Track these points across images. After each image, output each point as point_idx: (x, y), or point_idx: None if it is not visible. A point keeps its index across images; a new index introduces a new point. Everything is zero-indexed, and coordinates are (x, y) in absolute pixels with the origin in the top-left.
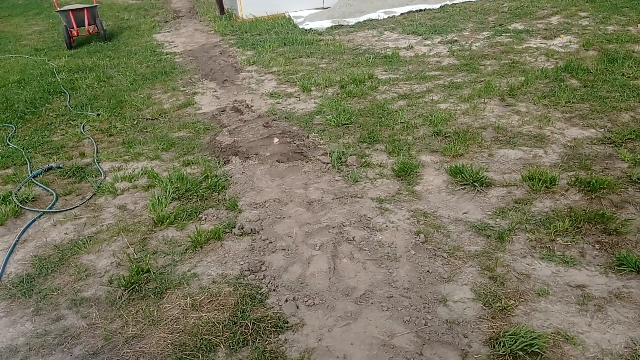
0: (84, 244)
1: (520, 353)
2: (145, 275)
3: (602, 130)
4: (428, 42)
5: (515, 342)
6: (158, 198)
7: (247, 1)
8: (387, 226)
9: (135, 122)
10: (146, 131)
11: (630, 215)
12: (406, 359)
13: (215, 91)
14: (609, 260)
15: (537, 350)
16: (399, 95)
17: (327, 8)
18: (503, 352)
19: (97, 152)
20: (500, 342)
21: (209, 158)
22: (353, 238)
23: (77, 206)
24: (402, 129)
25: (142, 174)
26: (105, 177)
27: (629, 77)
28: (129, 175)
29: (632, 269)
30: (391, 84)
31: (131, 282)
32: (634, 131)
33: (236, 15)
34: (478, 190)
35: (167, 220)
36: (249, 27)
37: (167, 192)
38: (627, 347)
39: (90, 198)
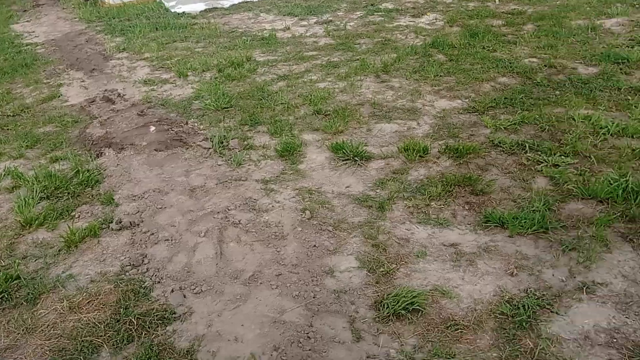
0: None
1: (403, 312)
2: (15, 282)
3: (467, 100)
4: (304, 22)
5: (398, 302)
6: (24, 199)
7: None
8: (273, 206)
9: None
10: (7, 129)
11: (494, 176)
12: (297, 332)
13: (82, 81)
14: (477, 218)
15: (418, 307)
16: (278, 77)
17: None
18: (387, 313)
19: None
20: (384, 305)
21: (80, 152)
22: (239, 221)
23: None
24: (283, 109)
25: (4, 174)
26: None
27: (488, 49)
28: None
29: (497, 224)
30: (270, 66)
31: None
32: (495, 100)
33: (102, 1)
34: (359, 164)
35: (36, 222)
36: (116, 13)
37: (34, 192)
38: (495, 295)
39: None
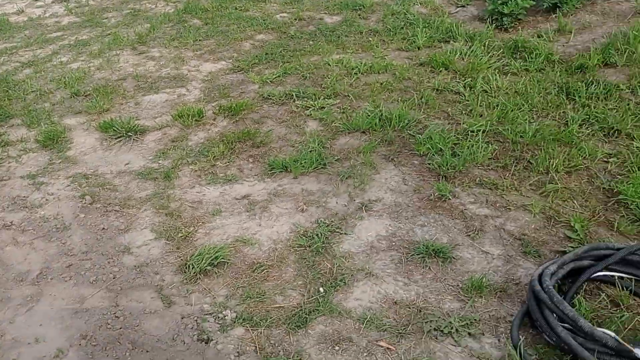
0: None
1: (209, 268)
2: None
3: (231, 60)
4: (40, 3)
5: (202, 260)
6: None
7: None
8: (47, 200)
9: None
10: None
11: (270, 127)
12: (103, 315)
13: None
14: (262, 168)
15: (223, 260)
16: (22, 64)
17: None
18: (194, 273)
19: None
20: (189, 266)
21: None
22: (11, 223)
23: None
24: (36, 97)
25: None
26: None
27: (241, 10)
28: None
29: (282, 170)
30: (10, 54)
31: None
32: (257, 56)
33: None
34: (134, 139)
35: None
36: None
37: None
38: (292, 232)
39: None
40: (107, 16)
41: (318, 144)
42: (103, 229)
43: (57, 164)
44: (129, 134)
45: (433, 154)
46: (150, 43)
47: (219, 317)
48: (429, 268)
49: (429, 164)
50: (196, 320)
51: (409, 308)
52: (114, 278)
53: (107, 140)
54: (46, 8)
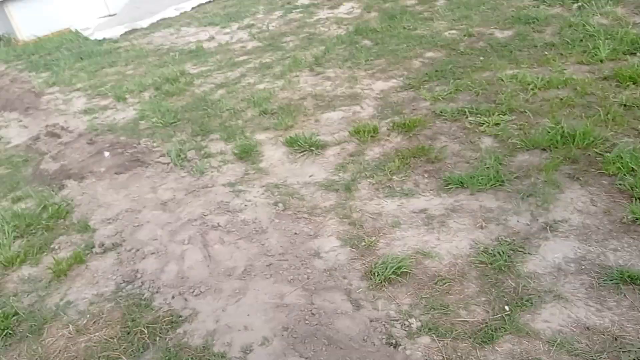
0: None
1: (393, 277)
2: (14, 318)
3: (402, 78)
4: (227, 30)
5: (386, 269)
6: None
7: (23, 22)
8: (245, 205)
9: None
10: None
11: (444, 143)
12: (300, 311)
13: (20, 121)
14: (438, 183)
15: (405, 270)
16: (216, 85)
17: (114, 15)
18: (379, 280)
19: None
20: (374, 273)
21: (40, 188)
22: (218, 224)
23: None
24: (230, 115)
25: None
26: None
27: (409, 29)
28: None
29: (458, 185)
30: (205, 77)
31: (1, 328)
32: (427, 74)
33: (16, 39)
34: (316, 153)
35: (18, 260)
36: (34, 49)
37: (7, 233)
38: (471, 248)
39: None
40: (286, 40)
41: (494, 161)
42: (295, 233)
43: (251, 174)
44: (312, 148)
45: (624, 174)
46: (325, 64)
47: (405, 324)
48: (625, 295)
49: (620, 184)
50: (384, 325)
51: (603, 335)
52: (307, 279)
53: (292, 154)
54: (232, 34)
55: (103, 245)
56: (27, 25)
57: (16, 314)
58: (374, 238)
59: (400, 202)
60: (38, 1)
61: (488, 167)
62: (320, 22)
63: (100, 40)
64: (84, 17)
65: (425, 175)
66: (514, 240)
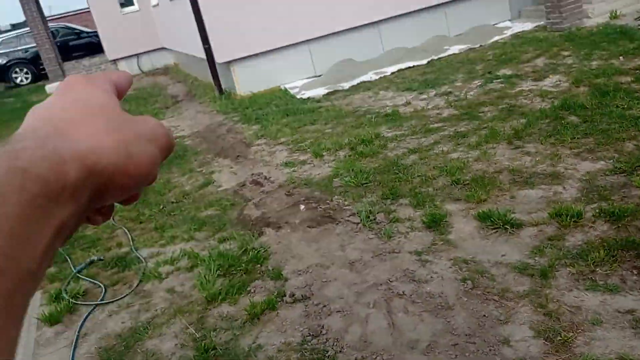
0: (145, 329)
1: None
2: (212, 352)
3: (612, 161)
4: (424, 96)
5: None
6: (204, 277)
7: (243, 79)
8: (432, 277)
9: (162, 207)
10: (174, 214)
11: None
12: None
13: (231, 167)
14: None
15: None
16: (409, 150)
17: (319, 76)
18: None
19: (132, 241)
20: None
21: (242, 232)
22: (403, 292)
23: (127, 295)
24: (421, 181)
25: (182, 255)
26: (146, 263)
27: (623, 108)
28: (169, 258)
29: None
30: (399, 141)
31: None
32: None
33: (234, 94)
34: (510, 232)
35: (219, 297)
36: (248, 103)
37: (212, 271)
38: None
39: (137, 285)
40: (483, 110)
41: None
42: (484, 315)
43: (439, 245)
44: (506, 226)
45: None
46: (525, 138)
47: None
48: None
49: None
50: None
51: None
52: None
53: (484, 229)
54: (429, 100)
55: (293, 295)
56: (245, 82)
57: (214, 348)
58: (571, 334)
59: (603, 297)
60: (257, 63)
61: None
62: (522, 94)
63: (304, 99)
64: (293, 77)
65: (635, 272)
66: None
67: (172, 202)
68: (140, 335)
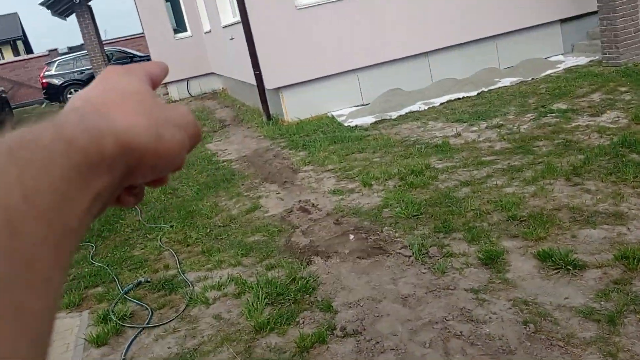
0: (191, 356)
1: None
2: None
3: None
4: (474, 128)
5: None
6: (252, 304)
7: (291, 105)
8: (490, 318)
9: (209, 230)
10: (221, 238)
11: None
12: None
13: (278, 193)
14: None
15: None
16: (461, 183)
17: (367, 104)
18: None
19: (180, 263)
20: None
21: (290, 260)
22: (460, 332)
23: (174, 319)
24: (475, 216)
25: (229, 281)
26: (193, 287)
27: None
28: (217, 283)
29: None
30: (450, 172)
31: None
32: None
33: (282, 120)
34: (572, 273)
35: (267, 327)
36: (296, 130)
37: (260, 299)
38: None
39: (184, 310)
40: (538, 144)
41: None
42: None
43: (496, 284)
44: (568, 267)
45: None
46: (584, 175)
47: None
48: None
49: None
50: None
51: None
52: None
53: (544, 269)
54: (480, 133)
55: (344, 329)
56: (293, 108)
57: None
58: None
59: None
60: (305, 90)
61: None
62: (578, 129)
63: (352, 127)
64: (340, 105)
65: None
66: None
67: (219, 226)
68: None
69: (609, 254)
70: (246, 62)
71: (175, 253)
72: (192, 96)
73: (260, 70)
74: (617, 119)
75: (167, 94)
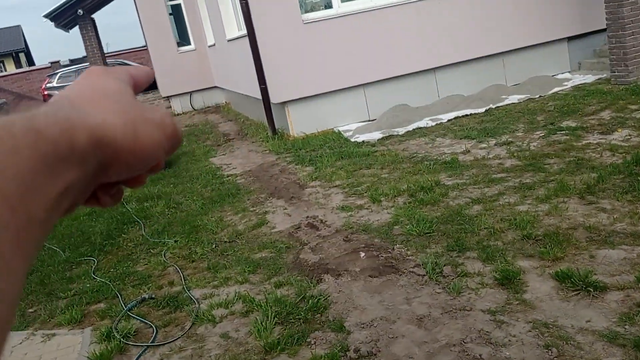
0: None
1: None
2: None
3: None
4: (483, 145)
5: None
6: (261, 323)
7: (297, 120)
8: (510, 340)
9: (214, 246)
10: (227, 254)
11: None
12: None
13: (285, 209)
14: None
15: None
16: (472, 200)
17: (373, 120)
18: None
19: (185, 280)
20: None
21: (299, 278)
22: (480, 356)
23: (179, 337)
24: (488, 234)
25: (236, 299)
26: (199, 305)
27: None
28: (223, 301)
29: None
30: (460, 189)
31: None
32: None
33: (287, 134)
34: (593, 295)
35: (278, 347)
36: (302, 144)
37: (269, 317)
38: None
39: (190, 328)
40: (549, 162)
41: None
42: None
43: (514, 305)
44: (588, 288)
45: None
46: (599, 193)
47: None
48: None
49: None
50: None
51: None
52: None
53: (563, 290)
54: (489, 150)
55: (358, 351)
56: (299, 123)
57: None
58: None
59: None
60: (311, 104)
61: None
62: (589, 147)
63: (359, 143)
64: (347, 120)
65: None
66: None
67: (225, 242)
68: None
69: (630, 275)
70: (251, 76)
71: (179, 269)
72: (195, 110)
73: (266, 84)
74: (628, 137)
75: (170, 107)
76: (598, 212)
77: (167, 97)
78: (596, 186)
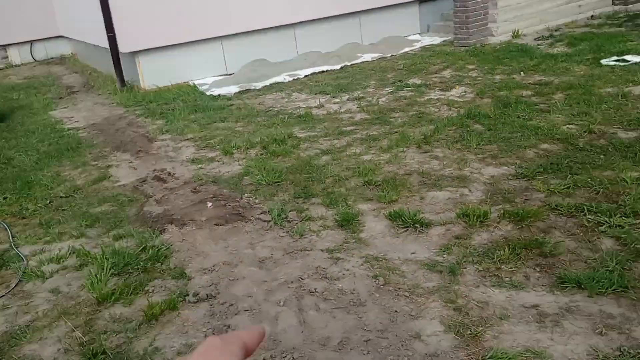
0: (22, 333)
1: None
2: (101, 357)
3: (514, 166)
4: (337, 100)
5: None
6: (95, 276)
7: (148, 72)
8: (344, 274)
9: (49, 202)
10: (63, 210)
11: (558, 238)
12: None
13: (130, 162)
14: (551, 280)
15: None
16: (321, 151)
17: (231, 74)
18: None
19: (12, 237)
20: None
21: (142, 229)
22: (315, 290)
23: (3, 296)
24: (334, 182)
25: (70, 253)
26: (28, 261)
27: (524, 119)
28: (55, 256)
29: (574, 285)
30: (311, 142)
31: None
32: (541, 165)
33: (138, 87)
34: (419, 231)
35: (112, 298)
36: (153, 97)
37: (105, 269)
38: (589, 354)
39: (16, 286)
40: (394, 116)
41: (617, 264)
42: (395, 311)
43: (351, 243)
44: (415, 225)
45: None
46: (434, 143)
47: None
48: None
49: None
50: None
51: None
52: None
53: (394, 228)
54: (341, 104)
55: (197, 294)
56: (151, 75)
57: (104, 352)
58: (480, 328)
59: (509, 293)
60: (165, 56)
61: (610, 270)
62: (430, 102)
63: (215, 96)
64: (203, 74)
65: (537, 269)
66: (639, 352)
67: (61, 197)
68: (17, 339)
69: (452, 212)
70: (99, 23)
71: (7, 226)
72: (36, 61)
73: (114, 32)
74: (464, 93)
75: (7, 57)
76: (431, 159)
77: (4, 45)
78: (432, 137)
